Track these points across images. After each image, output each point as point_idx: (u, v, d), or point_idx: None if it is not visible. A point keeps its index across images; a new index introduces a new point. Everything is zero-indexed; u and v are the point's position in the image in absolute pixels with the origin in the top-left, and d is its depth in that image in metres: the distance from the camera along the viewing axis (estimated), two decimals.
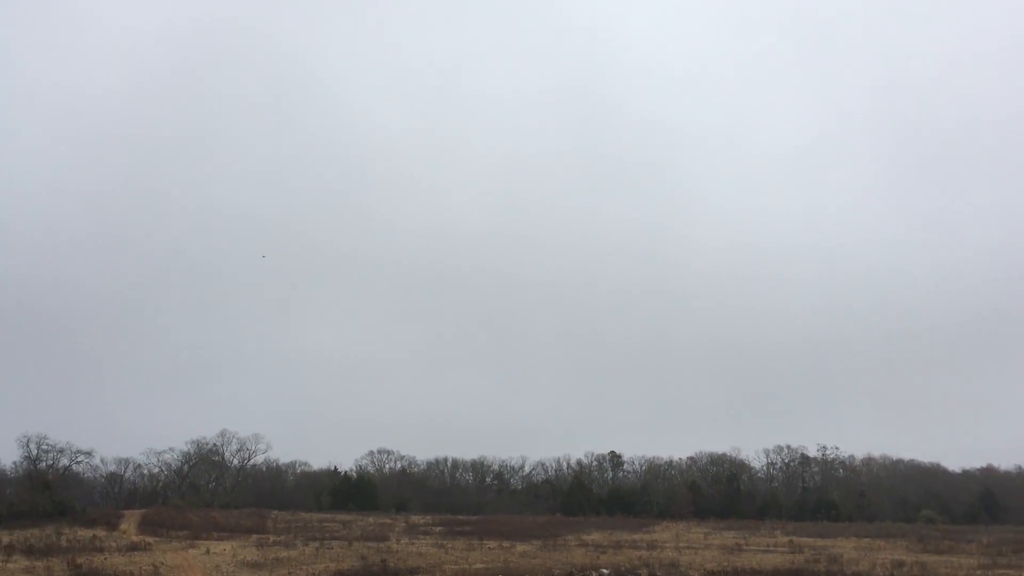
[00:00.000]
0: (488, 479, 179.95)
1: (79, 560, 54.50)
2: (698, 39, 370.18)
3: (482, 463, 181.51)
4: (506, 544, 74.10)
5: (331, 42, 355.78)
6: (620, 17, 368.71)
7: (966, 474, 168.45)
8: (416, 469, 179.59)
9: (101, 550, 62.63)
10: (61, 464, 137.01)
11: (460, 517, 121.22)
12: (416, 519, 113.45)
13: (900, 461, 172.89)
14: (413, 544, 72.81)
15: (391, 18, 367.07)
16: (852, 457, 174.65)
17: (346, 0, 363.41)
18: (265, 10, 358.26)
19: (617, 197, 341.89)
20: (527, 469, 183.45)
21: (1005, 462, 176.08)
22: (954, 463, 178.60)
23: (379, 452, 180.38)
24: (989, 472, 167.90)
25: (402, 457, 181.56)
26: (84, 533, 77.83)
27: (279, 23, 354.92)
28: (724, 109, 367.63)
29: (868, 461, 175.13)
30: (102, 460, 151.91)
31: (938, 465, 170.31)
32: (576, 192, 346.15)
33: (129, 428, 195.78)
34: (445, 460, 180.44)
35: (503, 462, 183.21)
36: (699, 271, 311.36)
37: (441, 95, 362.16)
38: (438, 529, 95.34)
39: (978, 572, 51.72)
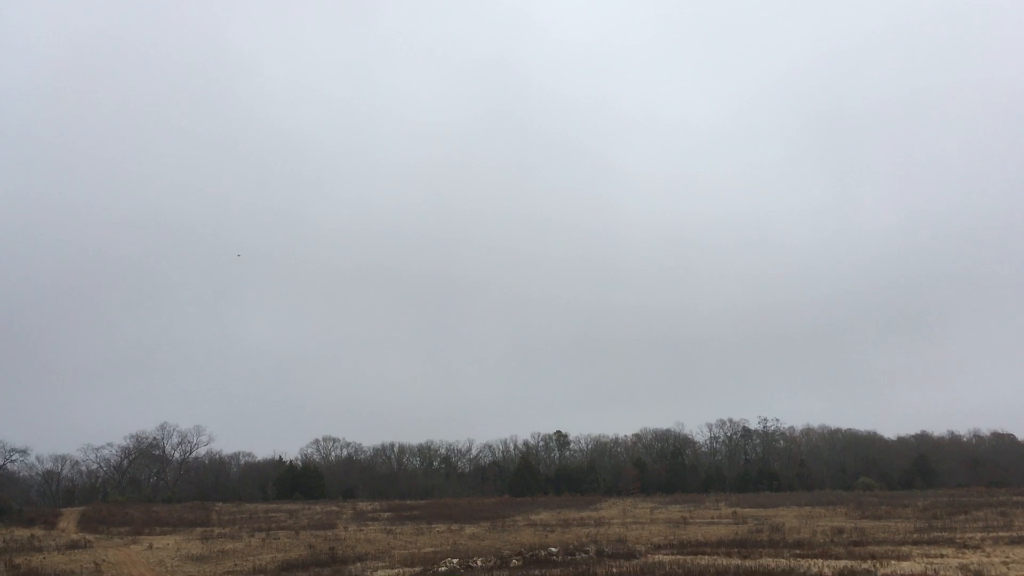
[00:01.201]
0: (435, 463, 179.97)
1: (17, 560, 53.08)
2: (614, 17, 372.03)
3: (429, 447, 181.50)
4: (455, 527, 74.19)
5: (252, 36, 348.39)
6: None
7: (901, 441, 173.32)
8: (362, 456, 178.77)
9: (40, 549, 61.10)
10: None
11: (408, 502, 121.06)
12: (364, 506, 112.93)
13: (838, 430, 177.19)
14: (361, 531, 72.45)
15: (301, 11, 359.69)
16: (792, 428, 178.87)
17: None
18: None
19: (541, 170, 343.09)
20: (474, 452, 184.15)
21: (938, 428, 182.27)
22: (890, 431, 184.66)
23: (324, 440, 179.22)
24: (923, 438, 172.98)
25: (348, 444, 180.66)
26: (21, 533, 75.87)
27: (201, 16, 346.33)
28: (642, 87, 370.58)
29: (807, 431, 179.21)
30: (38, 458, 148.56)
31: (874, 433, 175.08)
32: (501, 167, 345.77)
33: (65, 424, 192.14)
34: (392, 446, 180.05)
35: (450, 445, 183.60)
36: (629, 239, 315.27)
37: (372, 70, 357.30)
38: (386, 515, 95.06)
39: (914, 535, 53.26)
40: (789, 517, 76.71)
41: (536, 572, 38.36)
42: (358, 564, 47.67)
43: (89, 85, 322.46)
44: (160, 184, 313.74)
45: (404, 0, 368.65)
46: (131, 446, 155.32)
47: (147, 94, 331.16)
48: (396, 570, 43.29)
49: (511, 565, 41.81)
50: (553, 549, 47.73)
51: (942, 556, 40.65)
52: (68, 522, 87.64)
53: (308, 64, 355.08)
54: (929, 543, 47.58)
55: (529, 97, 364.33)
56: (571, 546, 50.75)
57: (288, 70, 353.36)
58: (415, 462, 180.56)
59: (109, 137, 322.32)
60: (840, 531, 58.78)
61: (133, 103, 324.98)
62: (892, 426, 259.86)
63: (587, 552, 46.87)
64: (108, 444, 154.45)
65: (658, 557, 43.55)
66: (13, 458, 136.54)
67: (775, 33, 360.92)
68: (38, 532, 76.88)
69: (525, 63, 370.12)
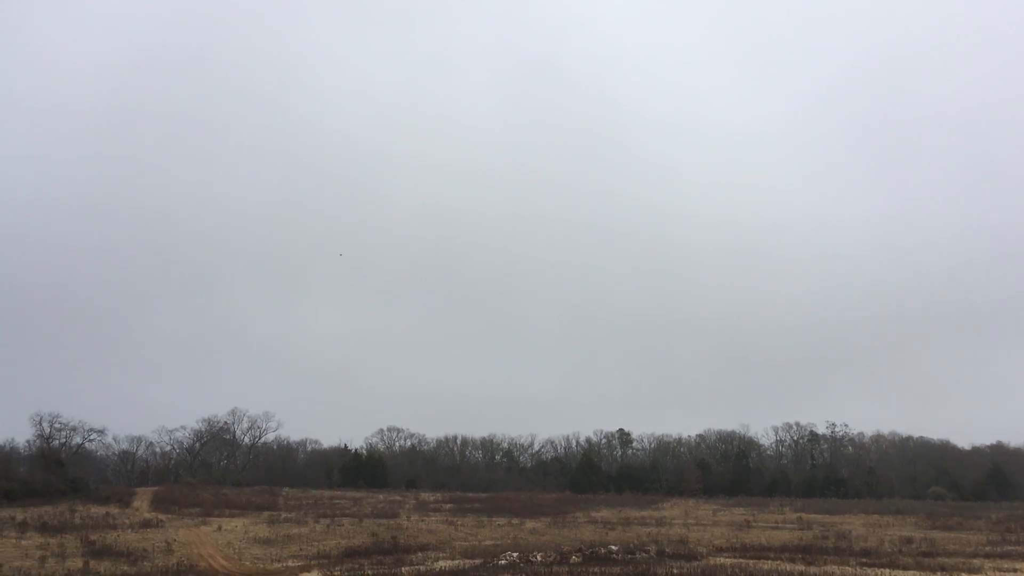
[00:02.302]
0: (498, 457, 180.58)
1: (92, 537, 55.12)
2: (665, 29, 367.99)
3: (491, 441, 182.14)
4: (515, 521, 74.49)
5: (306, 41, 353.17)
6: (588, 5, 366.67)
7: (976, 451, 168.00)
8: (426, 447, 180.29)
9: (114, 527, 63.25)
10: (74, 442, 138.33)
11: (470, 494, 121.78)
12: (426, 496, 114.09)
13: (909, 438, 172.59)
14: (423, 521, 73.26)
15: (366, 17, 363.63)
16: (861, 434, 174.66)
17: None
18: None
19: (598, 175, 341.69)
20: (536, 447, 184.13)
21: (1015, 438, 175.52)
22: (964, 440, 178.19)
23: (389, 430, 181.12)
24: (999, 448, 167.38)
25: (412, 435, 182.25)
26: (97, 510, 78.57)
27: (254, 24, 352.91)
28: (690, 95, 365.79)
29: (877, 438, 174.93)
30: (114, 438, 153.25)
31: (947, 442, 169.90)
32: (560, 173, 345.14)
33: (141, 407, 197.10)
34: (455, 438, 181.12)
35: (512, 440, 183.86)
36: (694, 247, 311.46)
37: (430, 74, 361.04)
38: (448, 506, 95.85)
39: (987, 548, 51.74)
40: (856, 525, 75.18)
41: (596, 570, 38.33)
42: (419, 554, 48.30)
43: (146, 91, 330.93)
44: (231, 187, 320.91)
45: (453, 5, 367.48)
46: (203, 429, 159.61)
47: (199, 99, 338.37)
48: (457, 561, 43.71)
49: (571, 561, 41.85)
50: (613, 547, 47.62)
51: (1016, 571, 39.43)
52: (142, 501, 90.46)
53: (362, 70, 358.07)
54: (1002, 556, 46.17)
55: (575, 100, 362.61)
56: (631, 545, 50.58)
57: (342, 76, 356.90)
58: (477, 455, 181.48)
59: (168, 139, 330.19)
60: (909, 541, 57.42)
61: (189, 108, 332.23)
62: (966, 435, 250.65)
63: (647, 552, 46.65)
64: (181, 427, 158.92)
65: (720, 560, 43.14)
66: (91, 438, 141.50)
67: (824, 41, 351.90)
68: (113, 510, 79.52)
69: (573, 66, 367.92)
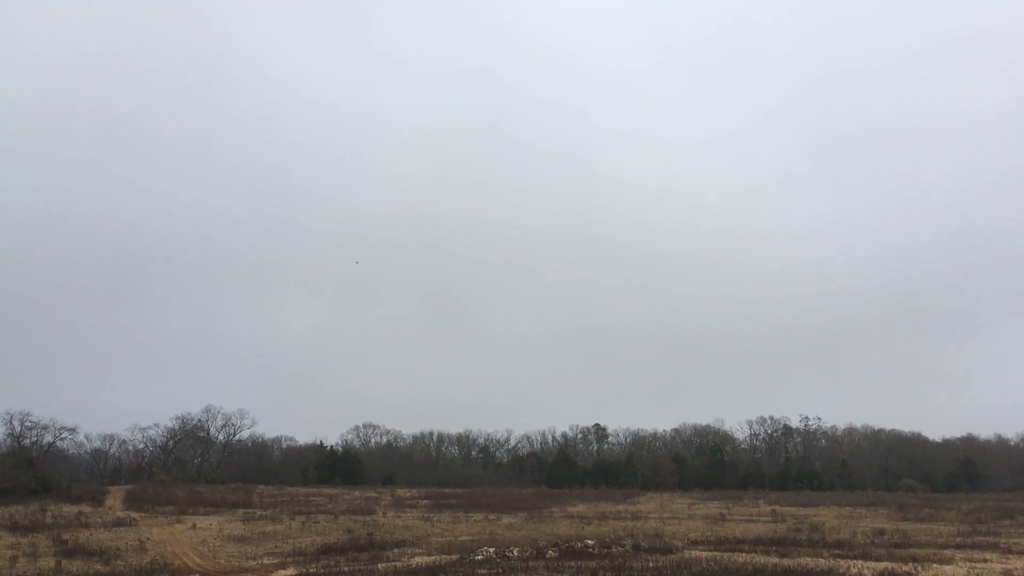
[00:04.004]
0: (474, 452, 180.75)
1: (64, 536, 54.52)
2: (618, 37, 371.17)
3: (468, 436, 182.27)
4: (492, 516, 74.58)
5: (251, 44, 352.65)
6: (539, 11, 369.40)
7: (947, 443, 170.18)
8: (402, 443, 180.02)
9: (87, 526, 62.63)
10: (45, 441, 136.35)
11: (446, 490, 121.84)
12: (402, 492, 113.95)
13: (881, 431, 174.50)
14: (399, 517, 73.17)
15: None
16: (834, 427, 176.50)
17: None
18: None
19: (552, 183, 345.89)
20: (512, 442, 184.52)
21: (985, 431, 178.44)
22: (935, 432, 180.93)
23: (365, 426, 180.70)
24: (969, 441, 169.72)
25: (388, 431, 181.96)
26: (69, 509, 77.76)
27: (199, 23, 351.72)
28: (645, 103, 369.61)
29: (850, 431, 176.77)
30: (87, 437, 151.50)
31: (919, 434, 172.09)
32: (511, 179, 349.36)
33: (114, 405, 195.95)
34: (431, 434, 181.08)
35: (488, 435, 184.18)
36: (654, 253, 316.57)
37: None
38: (424, 502, 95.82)
39: (957, 539, 52.44)
40: (829, 517, 75.94)
41: (572, 564, 38.47)
42: (396, 550, 48.22)
43: (94, 92, 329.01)
44: (200, 190, 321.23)
45: (398, 13, 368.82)
46: (177, 427, 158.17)
47: (148, 100, 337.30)
48: (433, 557, 43.70)
49: (547, 556, 41.97)
50: (589, 541, 47.82)
51: (986, 561, 40.01)
52: (115, 500, 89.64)
53: (304, 74, 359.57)
54: (973, 547, 46.83)
55: (523, 108, 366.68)
56: (607, 539, 50.82)
57: (285, 79, 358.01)
58: (454, 451, 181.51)
59: (128, 144, 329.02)
60: (881, 532, 58.11)
61: (137, 110, 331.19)
62: (937, 428, 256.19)
63: (623, 546, 46.90)
64: (155, 425, 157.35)
65: (695, 553, 43.43)
66: (63, 436, 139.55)
67: (777, 51, 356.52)
68: (85, 509, 78.74)
69: (511, 74, 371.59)
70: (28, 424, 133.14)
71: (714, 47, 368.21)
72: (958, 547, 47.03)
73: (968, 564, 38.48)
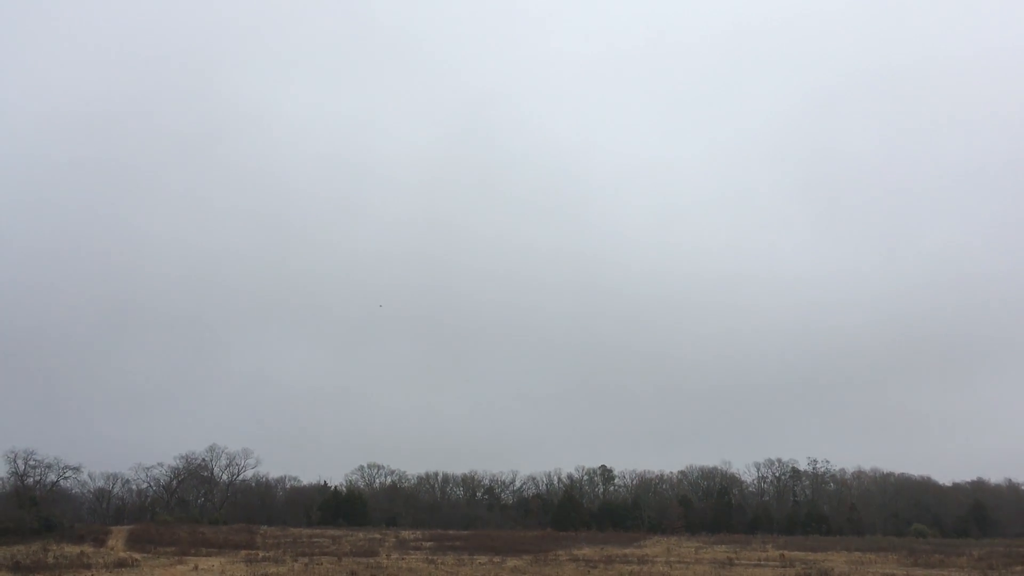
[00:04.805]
0: (479, 494, 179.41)
1: None
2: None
3: (473, 477, 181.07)
4: (497, 559, 73.79)
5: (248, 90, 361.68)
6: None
7: (957, 487, 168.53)
8: (406, 484, 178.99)
9: (88, 566, 62.11)
10: (48, 480, 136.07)
11: (451, 532, 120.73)
12: (406, 534, 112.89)
13: (891, 475, 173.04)
14: (403, 559, 72.42)
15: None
16: (843, 471, 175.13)
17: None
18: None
19: (553, 231, 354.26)
20: (518, 483, 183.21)
21: (995, 475, 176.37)
22: (945, 476, 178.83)
23: (369, 467, 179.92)
24: (979, 485, 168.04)
25: (392, 472, 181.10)
26: (71, 549, 77.17)
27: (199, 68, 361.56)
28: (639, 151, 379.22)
29: (859, 475, 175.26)
30: (90, 476, 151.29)
31: (929, 479, 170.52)
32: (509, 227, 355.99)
33: (117, 444, 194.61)
34: (435, 475, 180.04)
35: (494, 476, 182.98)
36: (655, 295, 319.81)
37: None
38: (428, 544, 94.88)
39: None
40: (839, 562, 74.95)
41: None
42: None
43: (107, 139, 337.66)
44: (209, 229, 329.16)
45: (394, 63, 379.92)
46: (180, 467, 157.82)
47: (147, 146, 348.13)
48: None
49: None
50: None
51: None
52: (117, 540, 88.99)
53: (302, 120, 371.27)
54: None
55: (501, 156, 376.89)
56: None
57: (283, 125, 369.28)
58: (458, 492, 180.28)
59: (135, 187, 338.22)
60: None
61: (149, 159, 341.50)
62: (947, 472, 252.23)
63: None
64: (159, 464, 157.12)
65: None
66: (66, 475, 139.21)
67: (753, 83, 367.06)
68: (87, 549, 78.10)
69: (503, 126, 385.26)
70: (32, 463, 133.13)
71: (707, 101, 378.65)
72: None
73: None
